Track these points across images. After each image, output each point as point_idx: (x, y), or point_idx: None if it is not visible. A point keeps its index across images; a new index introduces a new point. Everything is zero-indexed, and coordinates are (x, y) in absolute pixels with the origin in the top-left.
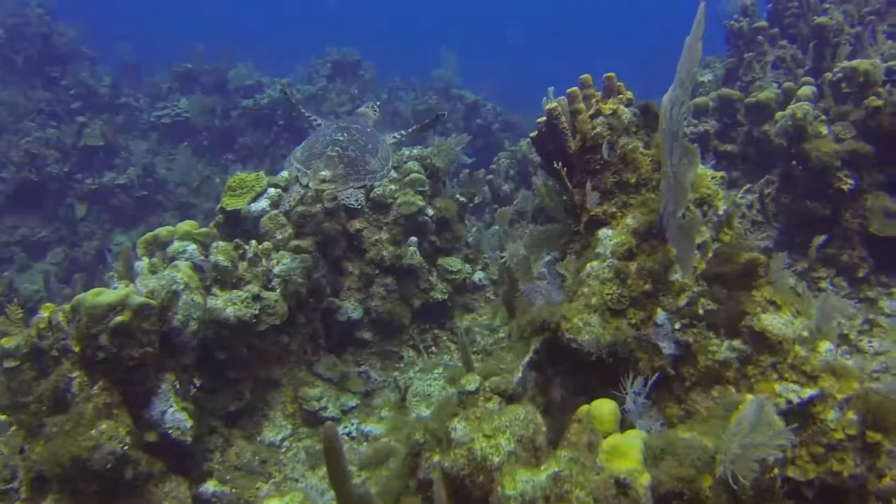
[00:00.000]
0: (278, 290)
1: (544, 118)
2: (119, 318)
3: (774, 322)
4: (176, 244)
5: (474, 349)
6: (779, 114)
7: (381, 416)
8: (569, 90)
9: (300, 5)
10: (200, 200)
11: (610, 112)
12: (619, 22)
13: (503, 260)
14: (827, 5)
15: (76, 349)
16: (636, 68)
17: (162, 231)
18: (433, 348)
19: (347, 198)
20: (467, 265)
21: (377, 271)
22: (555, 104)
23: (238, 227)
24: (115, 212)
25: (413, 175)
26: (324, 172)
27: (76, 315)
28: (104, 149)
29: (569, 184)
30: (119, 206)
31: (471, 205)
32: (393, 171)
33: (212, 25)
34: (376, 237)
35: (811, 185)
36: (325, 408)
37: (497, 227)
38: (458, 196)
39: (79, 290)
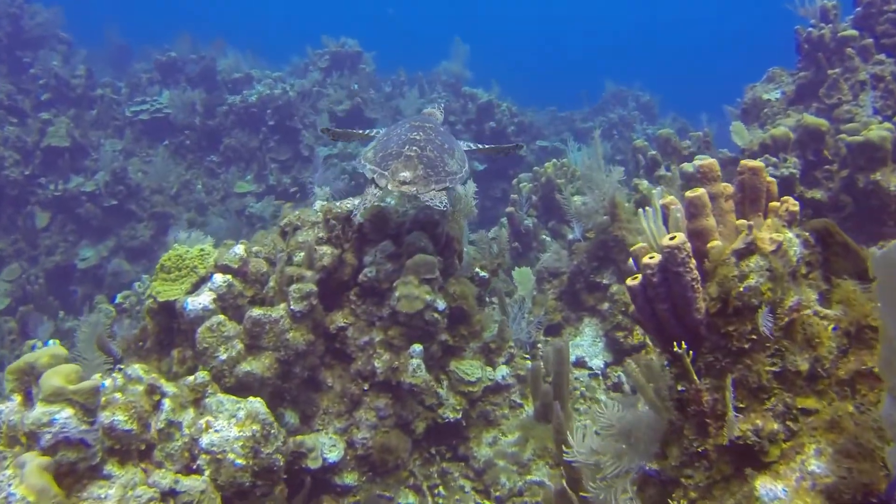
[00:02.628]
0: (207, 473)
1: (654, 259)
2: None
3: None
4: (38, 411)
5: (497, 492)
6: None
7: None
8: (689, 195)
9: None
10: (179, 210)
11: (772, 247)
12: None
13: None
14: None
15: None
16: (662, 76)
17: (42, 358)
18: (440, 489)
19: (431, 199)
20: (488, 369)
21: (367, 388)
22: (680, 239)
23: (175, 321)
24: (82, 222)
25: (419, 255)
26: (404, 174)
27: None
28: (71, 149)
29: (694, 375)
30: (85, 216)
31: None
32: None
33: (211, 6)
34: (366, 339)
35: None
36: None
37: (521, 293)
38: (477, 270)
39: (14, 338)
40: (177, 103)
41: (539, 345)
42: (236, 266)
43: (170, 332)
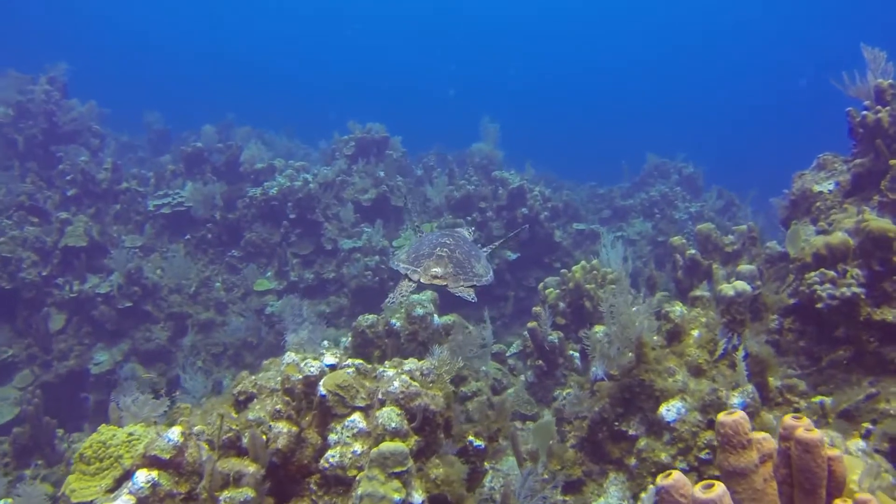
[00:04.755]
0: None
1: None
2: None
3: None
4: None
5: None
6: None
7: None
8: (702, 496)
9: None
10: (197, 310)
11: None
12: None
13: None
14: None
15: None
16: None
17: None
18: None
19: (461, 293)
20: None
21: None
22: None
23: None
24: (97, 324)
25: (386, 444)
26: (436, 269)
27: None
28: (88, 248)
29: None
30: (100, 319)
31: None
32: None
33: (256, 88)
34: None
35: None
36: None
37: (536, 445)
38: (471, 438)
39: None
40: (197, 197)
41: None
42: (168, 456)
43: None
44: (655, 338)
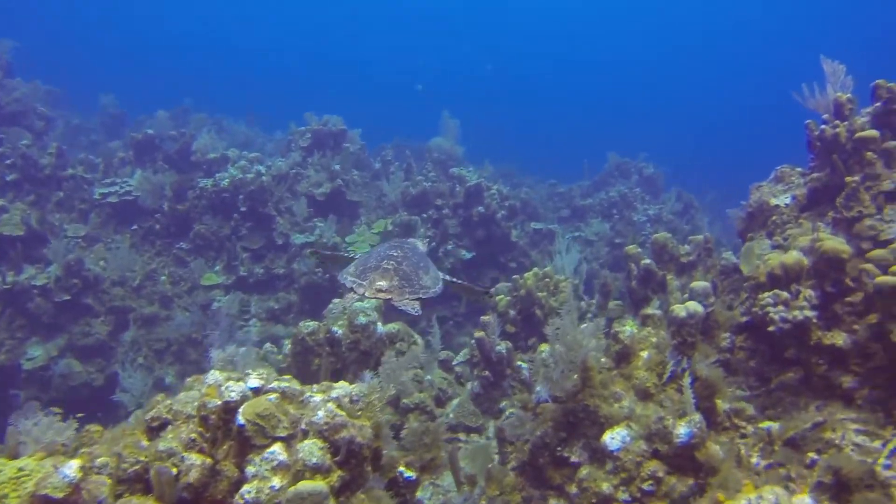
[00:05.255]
0: None
1: None
2: None
3: None
4: None
5: None
6: None
7: None
8: None
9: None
10: (141, 303)
11: None
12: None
13: None
14: None
15: None
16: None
17: None
18: None
19: (404, 306)
20: None
21: None
22: None
23: None
24: (32, 317)
25: (303, 483)
26: (380, 283)
27: None
28: (26, 238)
29: None
30: (36, 312)
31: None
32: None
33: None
34: None
35: None
36: None
37: (473, 470)
38: (401, 469)
39: None
40: (145, 186)
41: None
42: (62, 495)
43: None
44: (603, 359)
